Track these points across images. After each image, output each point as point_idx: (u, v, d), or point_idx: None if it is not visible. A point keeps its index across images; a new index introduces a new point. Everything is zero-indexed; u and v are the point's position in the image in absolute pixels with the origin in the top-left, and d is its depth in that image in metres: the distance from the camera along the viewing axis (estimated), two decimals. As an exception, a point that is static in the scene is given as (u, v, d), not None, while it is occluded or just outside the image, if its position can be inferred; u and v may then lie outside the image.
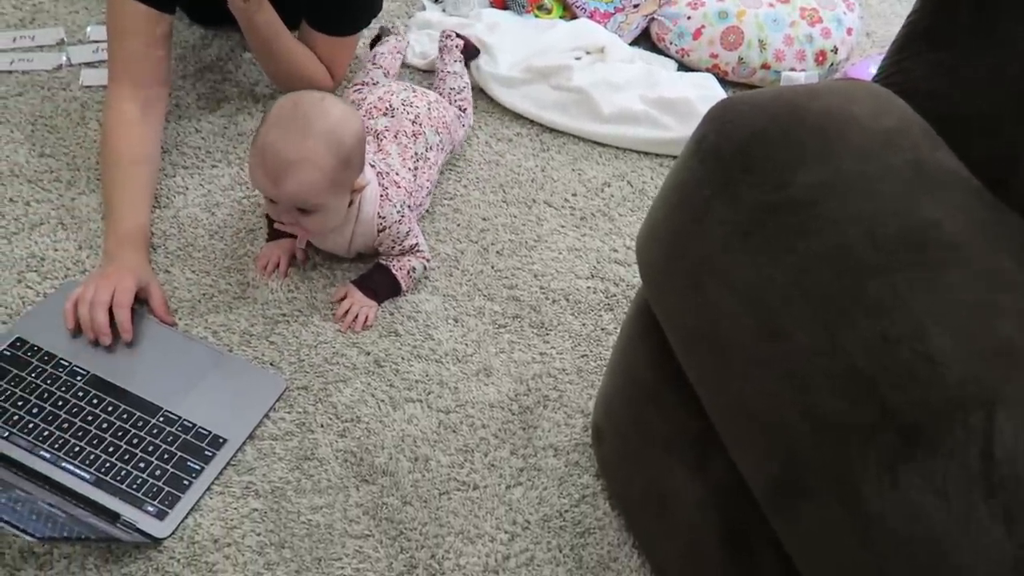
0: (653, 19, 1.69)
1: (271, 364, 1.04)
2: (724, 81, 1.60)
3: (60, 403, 0.91)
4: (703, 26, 1.62)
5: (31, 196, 1.17)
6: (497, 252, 1.24)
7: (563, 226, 1.30)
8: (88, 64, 1.39)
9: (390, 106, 1.22)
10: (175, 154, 1.27)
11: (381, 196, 1.10)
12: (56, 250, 1.11)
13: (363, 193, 1.07)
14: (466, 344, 1.11)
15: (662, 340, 0.79)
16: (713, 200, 0.65)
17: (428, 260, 1.16)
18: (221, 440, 0.92)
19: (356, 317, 1.09)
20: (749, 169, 0.62)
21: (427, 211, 1.26)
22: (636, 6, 1.70)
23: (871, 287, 0.56)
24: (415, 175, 1.18)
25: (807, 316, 0.58)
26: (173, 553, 0.86)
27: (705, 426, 0.74)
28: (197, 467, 0.89)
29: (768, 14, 1.60)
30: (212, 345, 1.00)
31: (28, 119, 1.28)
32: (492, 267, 1.21)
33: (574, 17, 1.67)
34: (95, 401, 0.92)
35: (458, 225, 1.26)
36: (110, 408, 0.92)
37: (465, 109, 1.38)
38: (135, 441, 0.90)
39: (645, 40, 1.72)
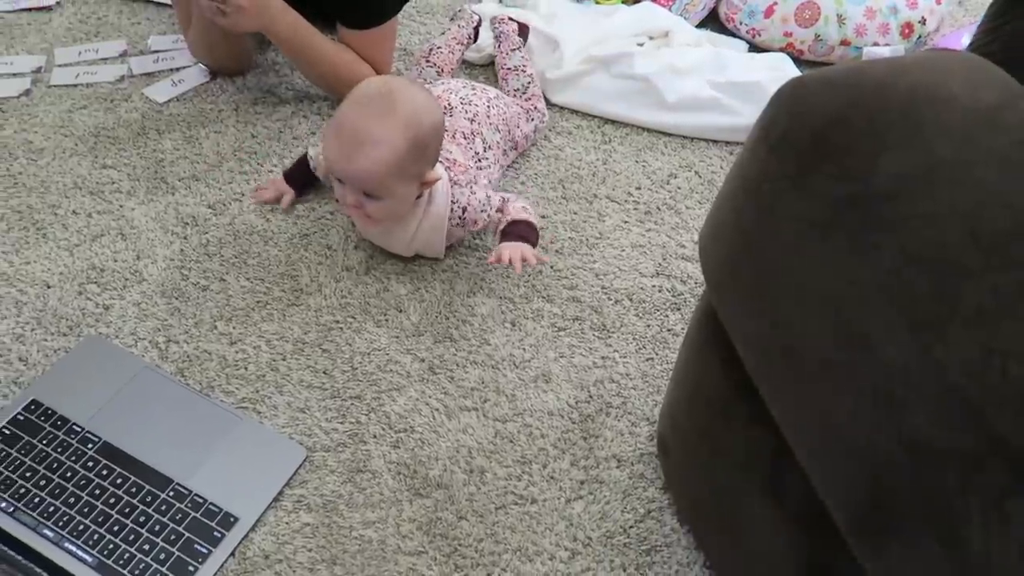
0: (721, -1, 1.60)
1: (324, 372, 1.01)
2: (799, 61, 1.50)
3: (69, 474, 0.88)
4: (775, 2, 1.52)
5: (93, 207, 1.18)
6: (556, 251, 1.18)
7: (626, 221, 1.24)
8: (148, 75, 1.40)
9: (448, 104, 1.18)
10: (232, 160, 1.26)
11: (452, 184, 1.07)
12: (115, 261, 1.11)
13: (435, 187, 1.04)
14: (524, 349, 1.06)
15: (731, 347, 0.72)
16: (784, 193, 0.58)
17: (526, 200, 1.11)
18: (232, 519, 0.86)
19: (516, 259, 1.01)
20: (826, 157, 0.55)
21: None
22: (703, -15, 1.61)
23: (971, 292, 0.48)
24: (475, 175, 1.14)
25: (896, 325, 0.50)
26: (225, 571, 0.84)
27: (781, 443, 0.67)
28: (204, 550, 0.84)
29: (847, -14, 1.49)
30: (230, 408, 0.95)
31: (91, 132, 1.29)
32: (551, 267, 1.16)
33: (637, 1, 1.60)
34: (104, 472, 0.88)
35: (515, 224, 1.21)
36: (119, 481, 0.88)
37: (535, 106, 1.33)
38: (142, 519, 0.85)
39: (713, 22, 1.63)
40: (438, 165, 1.06)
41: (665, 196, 1.28)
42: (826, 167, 0.55)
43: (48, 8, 1.51)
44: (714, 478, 0.79)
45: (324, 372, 1.01)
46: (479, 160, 1.16)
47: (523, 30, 1.42)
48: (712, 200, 1.28)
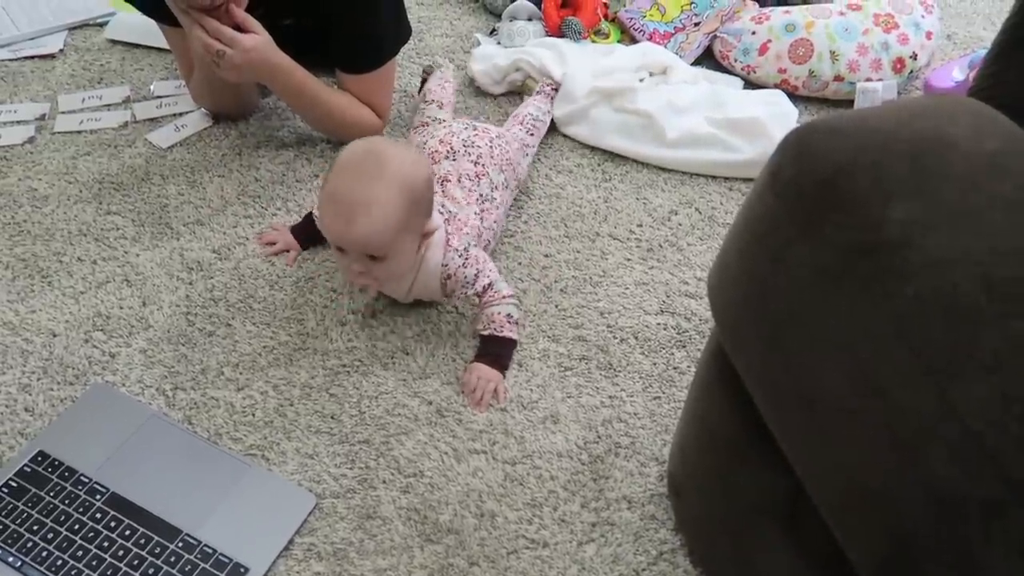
0: (716, 37, 1.62)
1: (331, 417, 1.01)
2: (794, 96, 1.52)
3: (76, 527, 0.87)
4: (769, 40, 1.54)
5: (98, 254, 1.18)
6: (561, 290, 1.19)
7: (629, 259, 1.24)
8: (151, 120, 1.41)
9: (451, 148, 1.19)
10: (236, 204, 1.27)
11: (446, 244, 1.07)
12: (121, 308, 1.11)
13: (430, 239, 1.04)
14: (531, 390, 1.06)
15: (742, 388, 0.72)
16: (794, 242, 0.58)
17: (513, 297, 1.11)
18: (243, 570, 0.85)
19: (484, 393, 1.04)
20: (835, 206, 0.56)
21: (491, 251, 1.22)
22: (697, 25, 1.64)
23: (986, 337, 0.48)
24: (481, 218, 1.14)
25: (911, 371, 0.51)
26: (235, 622, 0.83)
27: (798, 485, 0.67)
28: None
29: (839, 23, 1.52)
30: (238, 456, 0.95)
31: (96, 178, 1.30)
32: (556, 306, 1.16)
33: (633, 41, 1.62)
34: (113, 524, 0.87)
35: (519, 264, 1.22)
36: (128, 532, 0.87)
37: (533, 135, 1.35)
38: (151, 571, 0.84)
39: (708, 59, 1.65)
40: (437, 216, 1.06)
41: (667, 233, 1.29)
42: (835, 216, 0.56)
43: (51, 56, 1.53)
44: (729, 519, 0.79)
45: (332, 417, 1.01)
46: (484, 202, 1.16)
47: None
48: (713, 236, 1.29)
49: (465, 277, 1.06)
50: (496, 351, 1.08)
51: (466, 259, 1.07)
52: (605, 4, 1.72)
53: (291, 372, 1.05)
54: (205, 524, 0.89)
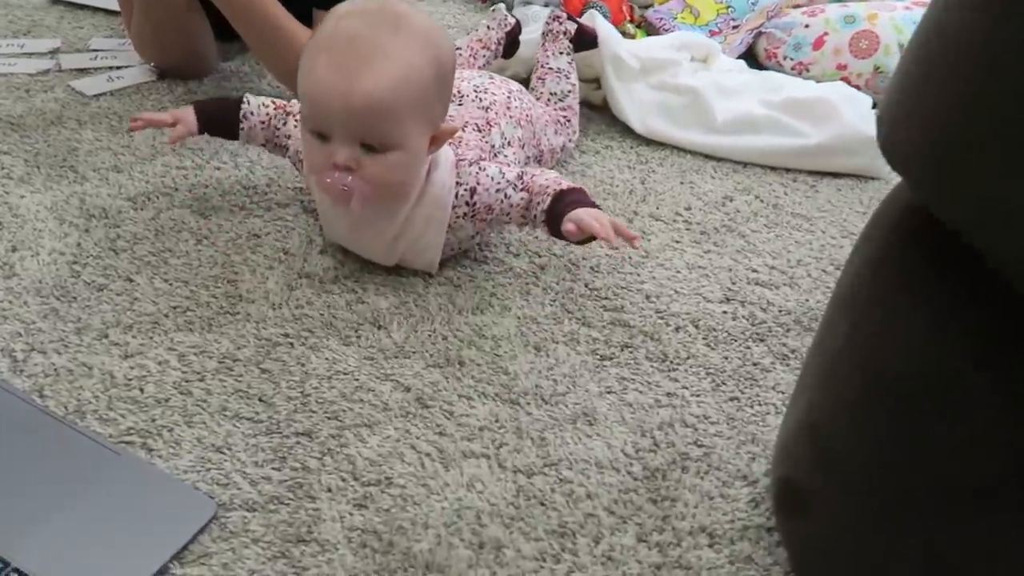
0: (760, 33, 1.41)
1: (259, 399, 0.67)
2: (858, 94, 1.28)
3: None
4: (825, 33, 1.33)
5: (-34, 192, 0.88)
6: (591, 268, 0.88)
7: (678, 241, 0.95)
8: (80, 70, 1.14)
9: (458, 92, 0.92)
10: (171, 155, 0.98)
11: (456, 163, 0.79)
12: (-20, 250, 0.80)
13: (437, 154, 0.76)
14: (555, 380, 0.73)
15: (952, 287, 0.43)
16: None
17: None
18: None
19: (606, 226, 0.72)
20: None
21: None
22: (736, 27, 1.43)
23: None
24: None
25: None
26: None
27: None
28: None
29: (906, 16, 1.31)
30: (104, 441, 0.61)
31: (-9, 118, 1.01)
32: (585, 285, 0.86)
33: (665, 34, 1.40)
34: None
35: (535, 236, 0.92)
36: None
37: (569, 119, 1.07)
38: None
39: (750, 60, 1.43)
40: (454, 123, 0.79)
41: (722, 217, 1.01)
42: None
43: (-26, 8, 1.28)
44: (914, 524, 0.45)
45: (260, 399, 0.68)
46: (495, 155, 0.88)
47: (587, 36, 1.15)
48: (782, 225, 1.01)
49: (491, 178, 0.79)
50: (574, 199, 0.75)
51: (481, 166, 0.80)
52: (631, 6, 1.51)
53: (208, 340, 0.73)
54: (25, 538, 0.54)
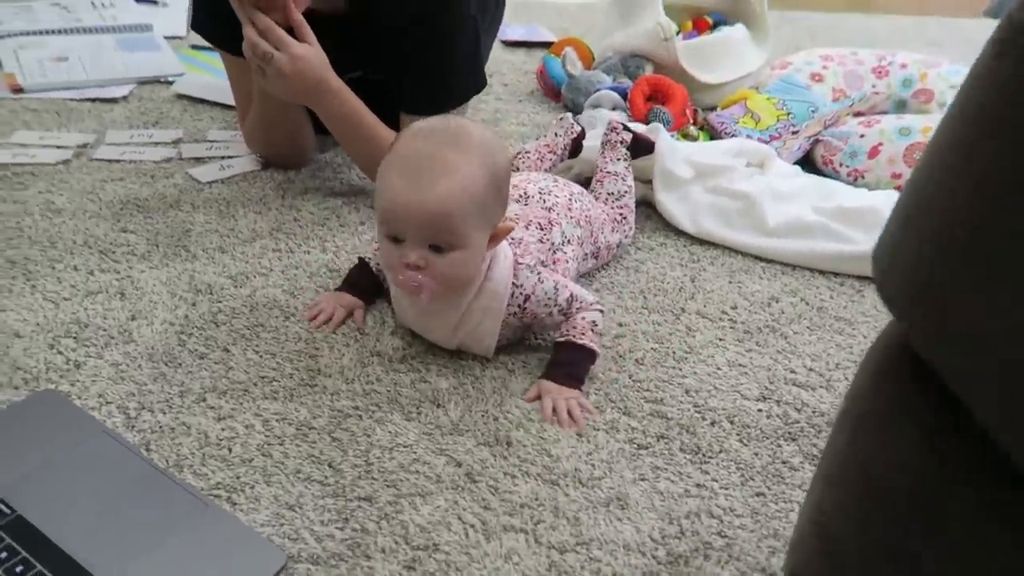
0: (817, 141, 1.48)
1: (329, 464, 0.77)
2: (911, 203, 1.33)
3: None
4: (880, 143, 1.39)
5: (97, 266, 1.02)
6: (637, 360, 0.96)
7: (721, 339, 1.01)
8: (197, 159, 1.30)
9: (524, 193, 1.03)
10: (267, 239, 1.11)
11: (515, 263, 0.89)
12: (105, 318, 0.93)
13: (496, 252, 0.85)
14: (593, 465, 0.80)
15: (936, 410, 0.48)
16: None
17: (600, 305, 0.92)
18: None
19: (568, 413, 0.85)
20: None
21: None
22: (795, 133, 1.50)
23: None
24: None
25: None
26: None
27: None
28: None
29: (961, 130, 1.36)
30: (196, 492, 0.72)
31: (120, 199, 1.17)
32: (630, 376, 0.93)
33: (724, 138, 1.49)
34: (4, 555, 0.64)
35: (587, 328, 1.00)
36: (19, 569, 0.63)
37: (625, 217, 1.16)
38: None
39: (807, 164, 1.50)
40: (503, 243, 0.89)
41: (767, 318, 1.07)
42: None
43: (113, 100, 1.47)
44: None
45: (330, 465, 0.77)
46: (555, 252, 0.98)
47: (643, 144, 1.24)
48: (825, 327, 1.06)
49: (545, 293, 0.88)
50: (569, 360, 0.87)
51: (540, 274, 0.89)
52: (694, 109, 1.61)
53: (289, 408, 0.83)
54: (129, 571, 0.63)
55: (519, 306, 0.89)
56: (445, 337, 0.91)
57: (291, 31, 1.03)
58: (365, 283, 0.99)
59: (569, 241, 1.01)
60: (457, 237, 0.79)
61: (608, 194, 1.17)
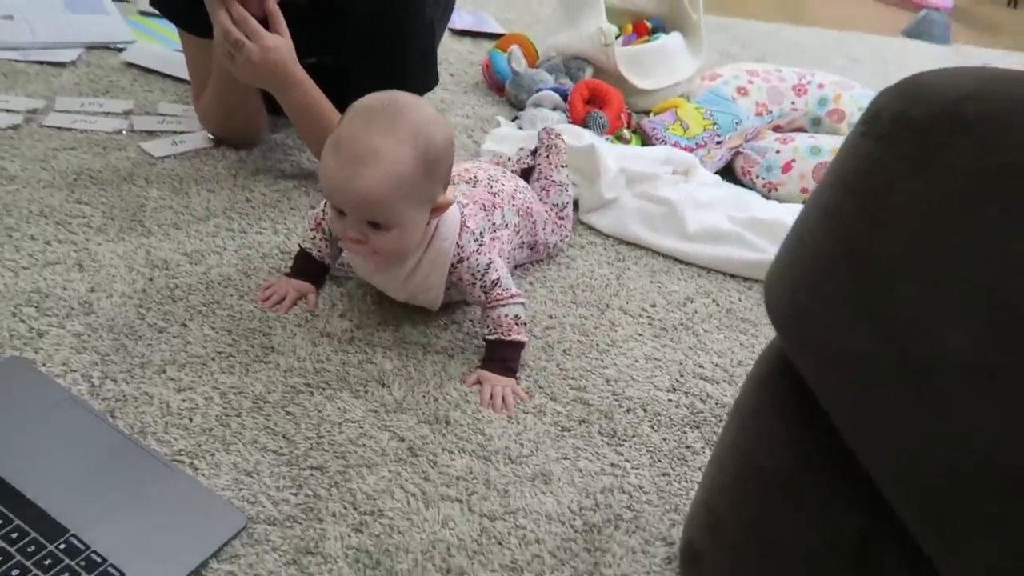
0: (738, 152, 1.61)
1: (283, 436, 0.84)
2: (816, 216, 1.47)
3: None
4: (793, 160, 1.52)
5: (54, 236, 1.05)
6: (564, 351, 1.06)
7: (640, 334, 1.13)
8: (149, 132, 1.33)
9: (474, 177, 1.11)
10: (221, 217, 1.16)
11: (463, 225, 0.97)
12: (65, 288, 0.97)
13: (444, 215, 0.93)
14: (522, 444, 0.90)
15: (801, 411, 0.59)
16: (903, 179, 0.48)
17: (521, 296, 1.00)
18: None
19: (503, 400, 0.94)
20: (962, 130, 0.46)
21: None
22: (719, 143, 1.63)
23: None
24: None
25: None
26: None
27: (872, 524, 0.52)
28: None
29: (864, 153, 1.50)
30: (161, 458, 0.78)
31: (73, 169, 1.19)
32: (557, 365, 1.03)
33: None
34: None
35: (521, 319, 1.10)
36: None
37: (565, 224, 1.25)
38: (15, 574, 0.65)
39: (728, 174, 1.63)
40: (452, 190, 0.97)
41: (681, 317, 1.18)
42: (962, 141, 0.46)
43: (61, 64, 1.47)
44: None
45: (284, 436, 0.84)
46: (495, 230, 1.07)
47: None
48: (732, 327, 1.18)
49: (477, 264, 0.96)
50: (503, 355, 0.97)
51: (481, 244, 0.98)
52: (629, 113, 1.72)
53: (245, 382, 0.90)
54: (100, 527, 0.70)
55: (452, 265, 0.97)
56: (395, 289, 0.99)
57: (263, 19, 1.08)
58: (311, 270, 1.05)
59: (507, 225, 1.10)
60: (390, 218, 0.86)
61: (553, 204, 1.25)
